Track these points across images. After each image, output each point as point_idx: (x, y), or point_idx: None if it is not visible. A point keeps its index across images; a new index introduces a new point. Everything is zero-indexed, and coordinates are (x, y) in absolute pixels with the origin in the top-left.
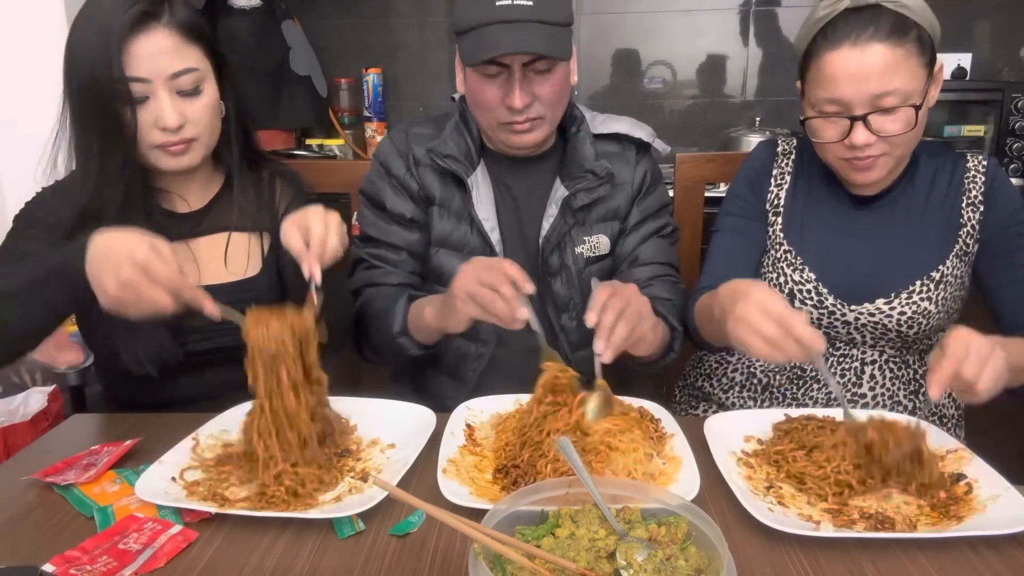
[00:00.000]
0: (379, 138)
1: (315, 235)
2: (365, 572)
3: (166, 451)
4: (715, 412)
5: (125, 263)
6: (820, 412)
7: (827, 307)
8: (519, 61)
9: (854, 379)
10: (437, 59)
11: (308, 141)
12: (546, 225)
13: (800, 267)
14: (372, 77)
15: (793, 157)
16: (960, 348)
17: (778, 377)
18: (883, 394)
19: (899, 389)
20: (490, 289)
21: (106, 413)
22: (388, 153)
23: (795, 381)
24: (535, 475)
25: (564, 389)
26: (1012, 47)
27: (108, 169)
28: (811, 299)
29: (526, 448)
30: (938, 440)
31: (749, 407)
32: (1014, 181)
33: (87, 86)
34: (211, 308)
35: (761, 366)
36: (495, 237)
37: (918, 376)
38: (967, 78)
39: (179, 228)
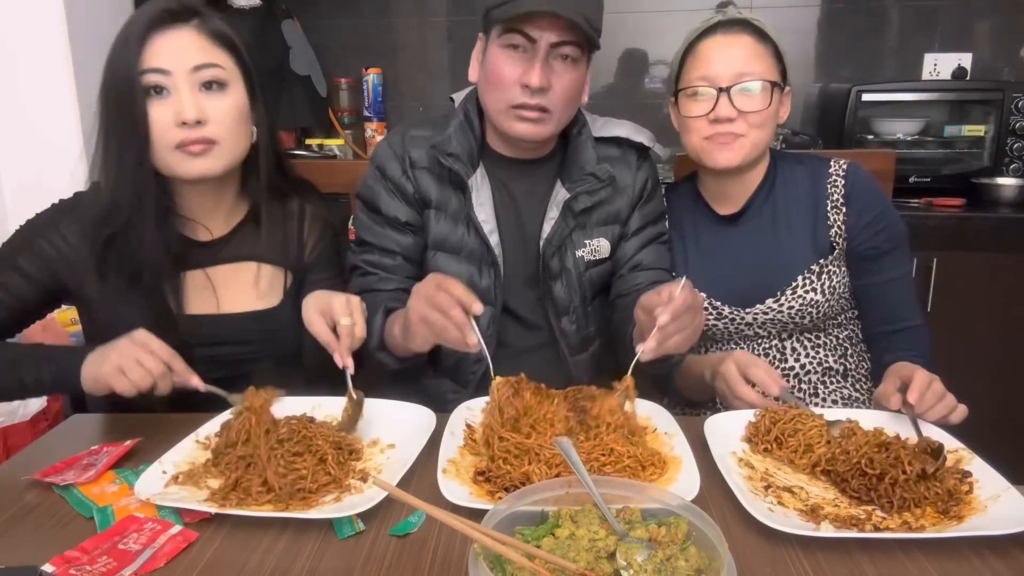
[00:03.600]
0: (379, 138)
1: (344, 326)
2: (365, 572)
3: (166, 451)
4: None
5: (123, 341)
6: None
7: (726, 315)
8: (547, 40)
9: (778, 356)
10: (437, 59)
11: (308, 141)
12: (547, 227)
13: None
14: (372, 77)
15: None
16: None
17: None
18: (812, 361)
19: (827, 355)
20: (441, 313)
21: (106, 413)
22: (384, 156)
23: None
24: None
25: (523, 392)
26: (1012, 47)
27: (124, 168)
28: (712, 313)
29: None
30: (937, 440)
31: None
32: (1013, 181)
33: (108, 81)
34: (198, 383)
35: None
36: (494, 239)
37: (841, 340)
38: (967, 78)
39: (198, 256)
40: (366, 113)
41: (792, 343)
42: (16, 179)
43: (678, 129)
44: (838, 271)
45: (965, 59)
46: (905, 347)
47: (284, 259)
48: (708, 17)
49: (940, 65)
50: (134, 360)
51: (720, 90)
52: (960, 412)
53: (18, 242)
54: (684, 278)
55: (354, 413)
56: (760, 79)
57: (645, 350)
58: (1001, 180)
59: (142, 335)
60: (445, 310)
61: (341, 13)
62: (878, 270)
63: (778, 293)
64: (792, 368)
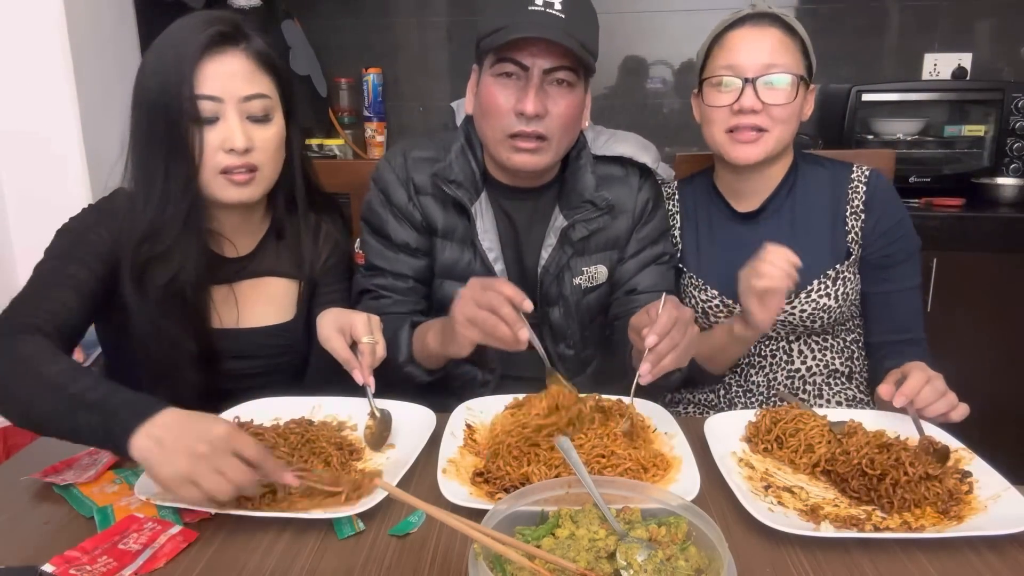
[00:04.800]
0: (379, 138)
1: (366, 344)
2: (365, 572)
3: None
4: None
5: (197, 442)
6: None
7: (736, 312)
8: (539, 67)
9: (785, 358)
10: (437, 59)
11: (308, 141)
12: (545, 255)
13: (703, 287)
14: (372, 77)
15: (677, 198)
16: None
17: (780, 387)
18: (818, 363)
19: (834, 358)
20: (490, 311)
21: None
22: (388, 181)
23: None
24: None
25: (566, 407)
26: (1012, 47)
27: (170, 190)
28: (722, 312)
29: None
30: (940, 440)
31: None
32: (1013, 181)
33: (156, 104)
34: (291, 479)
35: (756, 381)
36: (499, 267)
37: (848, 343)
38: (967, 78)
39: (225, 271)
40: (366, 113)
41: (799, 345)
42: (16, 178)
43: (700, 121)
44: (852, 277)
45: (965, 59)
46: (907, 357)
47: (300, 273)
48: (736, 9)
49: (940, 65)
50: (212, 470)
51: (745, 80)
52: (961, 410)
53: (67, 241)
54: (664, 295)
55: (379, 431)
56: (786, 72)
57: (642, 374)
58: (1001, 180)
59: (224, 432)
60: (496, 308)
61: (341, 13)
62: (888, 279)
63: (791, 296)
64: (797, 370)
